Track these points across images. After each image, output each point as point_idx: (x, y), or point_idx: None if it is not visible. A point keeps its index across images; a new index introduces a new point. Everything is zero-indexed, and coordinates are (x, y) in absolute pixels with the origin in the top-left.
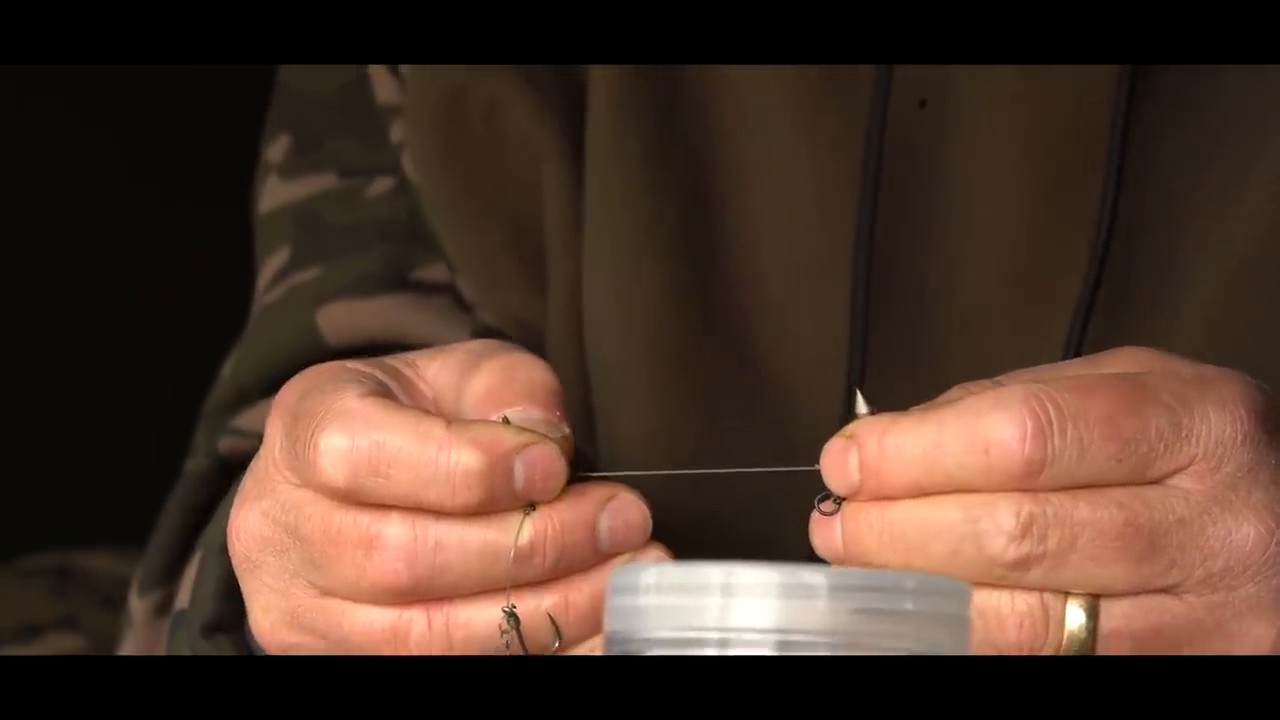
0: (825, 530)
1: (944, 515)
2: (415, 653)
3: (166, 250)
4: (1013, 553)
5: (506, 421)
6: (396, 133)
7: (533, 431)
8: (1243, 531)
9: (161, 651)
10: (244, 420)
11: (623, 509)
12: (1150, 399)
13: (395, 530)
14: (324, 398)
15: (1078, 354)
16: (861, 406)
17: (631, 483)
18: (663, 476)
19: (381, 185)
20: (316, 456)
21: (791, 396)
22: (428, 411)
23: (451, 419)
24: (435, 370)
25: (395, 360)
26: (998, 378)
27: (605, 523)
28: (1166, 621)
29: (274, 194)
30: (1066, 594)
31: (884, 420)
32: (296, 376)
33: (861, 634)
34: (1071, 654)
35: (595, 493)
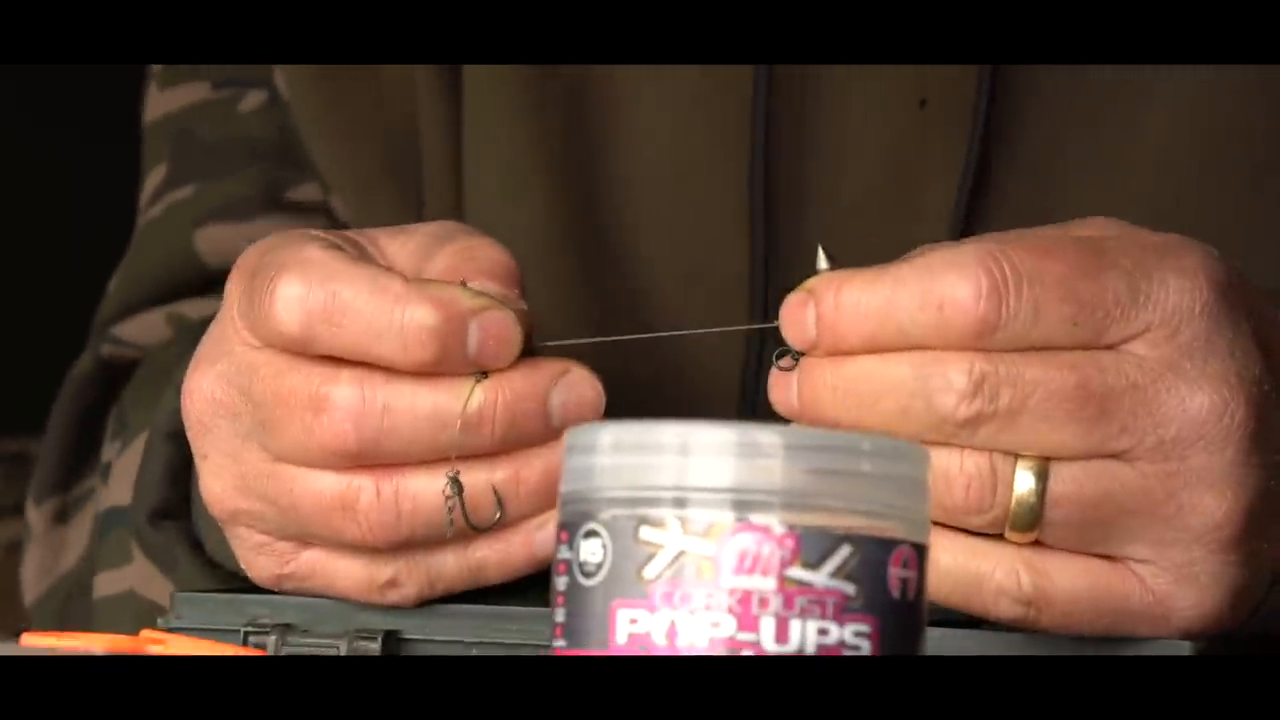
0: (782, 386)
1: (896, 371)
2: (363, 521)
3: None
4: (963, 410)
5: (465, 286)
6: None
7: (490, 297)
8: (1197, 400)
9: (66, 557)
10: (124, 330)
11: (576, 384)
12: (1109, 264)
13: (344, 391)
14: (285, 251)
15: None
16: (822, 261)
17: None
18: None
19: (254, 100)
20: (272, 303)
21: (685, 300)
22: (387, 268)
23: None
24: (395, 250)
25: (356, 234)
26: (965, 239)
27: (557, 397)
28: (1116, 488)
29: (154, 104)
30: (1016, 457)
31: (841, 275)
32: (260, 240)
33: (817, 494)
34: (1019, 517)
35: (549, 366)
